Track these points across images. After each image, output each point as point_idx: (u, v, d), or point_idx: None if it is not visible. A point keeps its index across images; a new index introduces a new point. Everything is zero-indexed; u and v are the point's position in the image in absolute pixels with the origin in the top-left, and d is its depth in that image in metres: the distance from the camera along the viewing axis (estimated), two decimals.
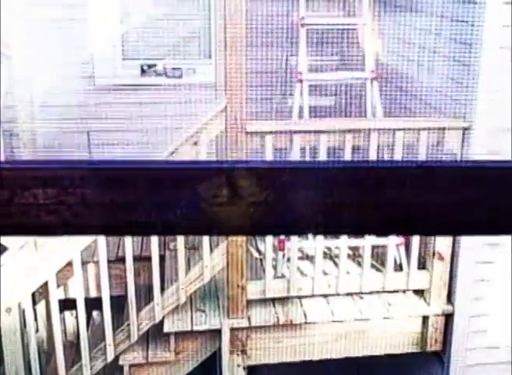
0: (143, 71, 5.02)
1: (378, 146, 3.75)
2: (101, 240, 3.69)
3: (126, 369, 3.89)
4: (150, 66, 5.01)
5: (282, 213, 0.54)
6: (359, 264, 4.02)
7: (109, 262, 3.80)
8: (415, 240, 3.83)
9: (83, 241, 3.64)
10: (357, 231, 0.63)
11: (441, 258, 3.81)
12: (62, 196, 0.48)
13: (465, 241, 3.71)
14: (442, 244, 3.79)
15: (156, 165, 0.52)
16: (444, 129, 3.71)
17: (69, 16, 4.77)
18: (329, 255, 4.21)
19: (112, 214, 0.49)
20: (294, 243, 3.86)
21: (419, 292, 3.98)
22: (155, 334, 3.93)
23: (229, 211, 0.53)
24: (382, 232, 0.74)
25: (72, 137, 4.83)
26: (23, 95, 4.42)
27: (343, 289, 3.89)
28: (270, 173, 0.53)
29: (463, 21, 3.71)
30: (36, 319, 4.19)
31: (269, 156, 3.68)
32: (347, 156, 3.69)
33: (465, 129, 3.70)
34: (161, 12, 5.00)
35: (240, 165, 0.52)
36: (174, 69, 4.97)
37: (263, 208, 0.52)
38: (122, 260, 3.87)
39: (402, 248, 3.95)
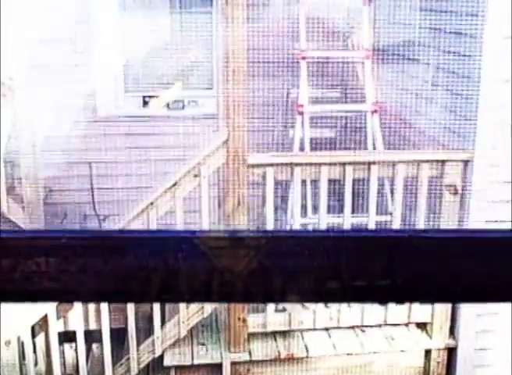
0: (145, 103, 5.05)
1: (379, 178, 3.76)
2: None
3: None
4: (152, 98, 5.04)
5: (272, 280, 0.53)
6: None
7: None
8: None
9: None
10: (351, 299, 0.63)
11: None
12: (64, 265, 0.48)
13: None
14: None
15: (152, 234, 0.52)
16: (445, 161, 3.72)
17: (70, 48, 4.82)
18: None
19: (112, 281, 0.49)
20: None
21: (422, 325, 3.95)
22: (155, 368, 3.89)
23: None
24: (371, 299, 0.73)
25: (74, 168, 4.85)
26: (26, 126, 4.45)
27: (344, 322, 3.86)
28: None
29: (463, 55, 3.74)
30: (35, 351, 4.15)
31: (270, 189, 3.68)
32: (348, 188, 3.69)
33: (466, 161, 3.71)
34: (163, 44, 5.05)
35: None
36: (176, 101, 5.00)
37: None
38: None
39: None
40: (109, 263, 0.48)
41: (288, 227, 4.04)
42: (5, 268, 0.48)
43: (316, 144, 4.37)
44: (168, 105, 5.02)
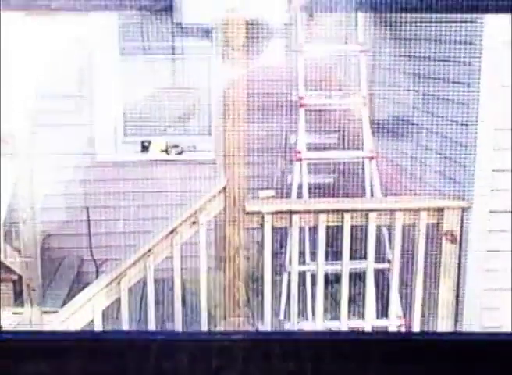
0: (143, 148, 5.08)
1: (377, 225, 3.75)
2: (97, 319, 3.64)
3: None
4: (151, 143, 5.07)
5: None
6: None
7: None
8: (416, 321, 3.77)
9: (78, 321, 3.59)
10: None
11: None
12: (63, 366, 0.47)
13: (468, 325, 3.65)
14: (443, 326, 3.73)
15: (145, 335, 0.51)
16: (443, 209, 3.72)
17: (70, 93, 4.87)
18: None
19: None
20: (293, 324, 3.81)
21: None
22: None
23: None
24: None
25: (72, 212, 4.84)
26: (24, 172, 4.45)
27: None
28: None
29: (461, 103, 3.78)
30: None
31: (268, 235, 3.67)
32: (346, 236, 3.69)
33: (464, 209, 3.71)
34: (162, 89, 5.10)
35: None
36: (174, 146, 5.03)
37: None
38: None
39: (403, 330, 3.89)
40: (110, 364, 0.47)
41: (286, 275, 4.02)
42: (4, 369, 0.47)
43: (314, 190, 4.38)
44: (166, 150, 5.04)
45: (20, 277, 4.27)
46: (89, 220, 4.92)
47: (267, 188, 4.74)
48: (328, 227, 3.73)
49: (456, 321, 3.77)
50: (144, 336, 0.50)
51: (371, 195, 4.14)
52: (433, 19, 3.73)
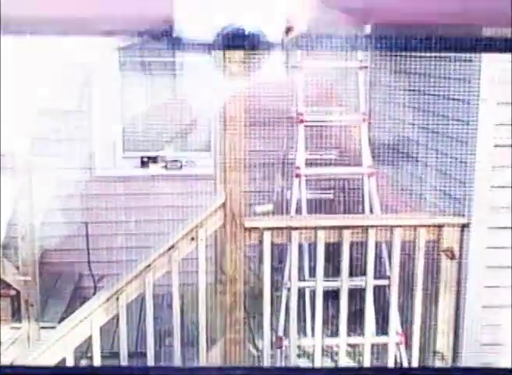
0: (143, 163, 5.08)
1: (377, 242, 3.75)
2: (96, 335, 3.62)
3: None
4: (150, 158, 5.08)
5: None
6: (359, 362, 3.93)
7: (103, 358, 3.70)
8: (416, 338, 3.75)
9: (76, 337, 3.57)
10: None
11: (442, 358, 3.73)
12: None
13: (468, 343, 3.64)
14: (443, 344, 3.72)
15: (144, 371, 0.51)
16: (442, 225, 3.72)
17: (70, 108, 4.88)
18: (329, 353, 4.12)
19: None
20: (292, 340, 3.79)
21: None
22: None
23: None
24: None
25: (71, 227, 4.83)
26: (24, 187, 4.45)
27: None
28: None
29: (459, 120, 3.79)
30: None
31: (267, 252, 3.67)
32: (345, 252, 3.68)
33: (463, 225, 3.71)
34: (161, 105, 5.11)
35: None
36: (174, 161, 5.03)
37: None
38: (116, 356, 3.78)
39: (402, 347, 3.87)
40: None
41: (285, 291, 4.01)
42: None
43: (314, 205, 4.37)
44: (166, 165, 5.05)
45: (18, 293, 4.26)
46: (87, 235, 4.91)
47: (264, 203, 4.74)
48: (327, 243, 3.72)
49: (455, 338, 3.75)
50: (143, 371, 0.50)
51: (371, 212, 4.14)
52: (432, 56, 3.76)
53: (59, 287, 4.90)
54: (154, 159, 5.11)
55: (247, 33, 0.43)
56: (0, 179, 3.96)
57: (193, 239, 3.67)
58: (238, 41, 0.43)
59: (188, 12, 0.41)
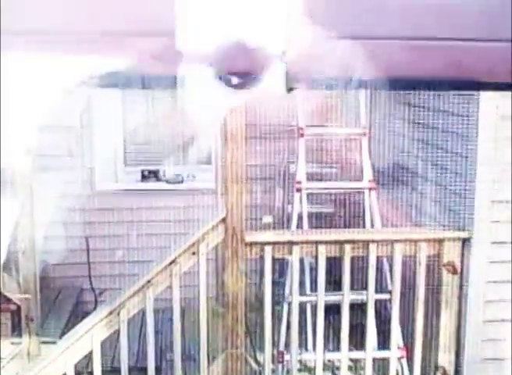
0: (143, 177, 5.09)
1: (378, 256, 3.74)
2: (96, 350, 3.60)
3: None
4: (151, 172, 5.08)
5: None
6: None
7: (104, 373, 3.69)
8: (417, 353, 3.74)
9: (76, 352, 3.55)
10: None
11: (444, 373, 3.71)
12: None
13: (469, 357, 3.62)
14: (445, 359, 3.70)
15: None
16: (443, 240, 3.72)
17: (71, 123, 4.89)
18: (330, 367, 4.10)
19: None
20: (294, 355, 3.77)
21: None
22: None
23: None
24: None
25: (72, 241, 4.82)
26: (24, 201, 4.45)
27: None
28: None
29: (458, 134, 3.79)
30: None
31: (268, 266, 3.66)
32: (347, 266, 3.68)
33: (464, 240, 3.71)
34: (162, 118, 5.12)
35: None
36: (175, 175, 5.04)
37: None
38: (117, 371, 3.77)
39: (404, 361, 3.86)
40: None
41: (286, 305, 4.00)
42: None
43: (314, 219, 4.37)
44: (167, 179, 5.05)
45: (19, 307, 4.25)
46: (88, 249, 4.91)
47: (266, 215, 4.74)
48: (328, 258, 3.72)
49: (457, 352, 3.74)
50: None
51: (371, 226, 4.13)
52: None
53: (60, 301, 4.89)
54: (155, 173, 5.11)
55: (246, 46, 0.44)
56: (0, 193, 3.96)
57: (194, 253, 3.66)
58: (236, 55, 0.44)
59: (189, 26, 0.42)
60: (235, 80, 0.45)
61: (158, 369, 3.83)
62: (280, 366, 3.88)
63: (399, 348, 3.85)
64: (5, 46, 0.94)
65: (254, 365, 4.18)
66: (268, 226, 4.53)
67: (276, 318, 3.95)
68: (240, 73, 0.44)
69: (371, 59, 0.42)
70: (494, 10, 0.37)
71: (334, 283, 3.99)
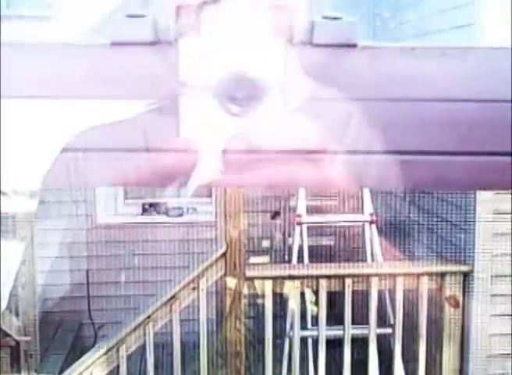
0: (144, 210, 5.08)
1: (379, 290, 3.73)
2: None
3: None
4: (151, 205, 5.08)
5: None
6: None
7: None
8: None
9: None
10: None
11: None
12: None
13: None
14: None
15: None
16: (445, 274, 3.70)
17: None
18: None
19: None
20: None
21: None
22: None
23: None
24: None
25: (71, 275, 4.81)
26: (24, 236, 4.44)
27: None
28: None
29: None
30: None
31: (269, 301, 3.64)
32: (348, 301, 3.66)
33: (466, 273, 3.69)
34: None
35: None
36: (175, 208, 5.04)
37: None
38: None
39: None
40: None
41: (287, 340, 3.96)
42: None
43: (315, 253, 4.35)
44: (167, 212, 5.05)
45: (18, 343, 4.21)
46: (88, 283, 4.88)
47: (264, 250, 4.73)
48: (329, 293, 3.71)
49: None
50: None
51: (372, 259, 4.12)
52: None
53: (59, 335, 4.85)
54: (155, 206, 5.11)
55: (247, 76, 0.44)
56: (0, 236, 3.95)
57: (194, 289, 3.65)
58: (236, 84, 0.44)
59: (191, 57, 0.42)
60: (235, 109, 0.45)
61: None
62: None
63: None
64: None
65: None
66: (266, 250, 4.52)
67: (277, 352, 3.91)
68: (240, 101, 0.44)
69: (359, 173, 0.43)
70: (495, 122, 0.37)
71: (335, 318, 3.97)
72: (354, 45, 0.39)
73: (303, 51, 0.40)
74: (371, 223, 4.15)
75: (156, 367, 3.86)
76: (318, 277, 3.66)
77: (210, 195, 5.19)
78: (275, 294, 3.70)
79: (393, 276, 3.67)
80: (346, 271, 3.70)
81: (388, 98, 0.38)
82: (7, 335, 4.25)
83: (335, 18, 0.40)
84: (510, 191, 3.09)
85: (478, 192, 3.66)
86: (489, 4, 3.70)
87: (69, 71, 0.41)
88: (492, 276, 3.67)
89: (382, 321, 3.90)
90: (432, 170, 0.39)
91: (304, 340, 3.91)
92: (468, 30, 3.92)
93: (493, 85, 0.38)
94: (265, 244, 4.67)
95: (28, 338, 4.07)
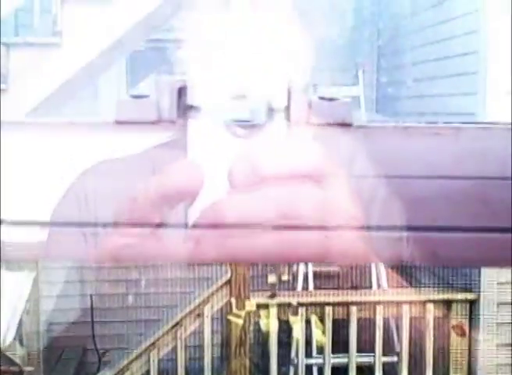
0: None
1: (385, 318, 3.71)
2: None
3: None
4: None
5: None
6: None
7: None
8: None
9: None
10: None
11: None
12: None
13: None
14: None
15: None
16: (451, 301, 3.69)
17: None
18: None
19: None
20: None
21: None
22: None
23: None
24: None
25: (74, 300, 4.80)
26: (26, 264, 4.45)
27: None
28: None
29: None
30: None
31: (274, 328, 3.63)
32: (353, 328, 3.64)
33: (472, 301, 3.68)
34: None
35: None
36: None
37: None
38: None
39: None
40: None
41: (292, 368, 3.94)
42: None
43: (320, 279, 4.34)
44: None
45: (21, 369, 4.20)
46: (92, 308, 4.87)
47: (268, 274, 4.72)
48: (334, 320, 3.69)
49: None
50: None
51: (378, 286, 4.11)
52: None
53: (63, 362, 4.83)
54: None
55: (252, 99, 0.46)
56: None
57: (198, 315, 3.64)
58: (241, 107, 0.46)
59: (199, 82, 0.44)
60: (240, 131, 0.46)
61: None
62: None
63: None
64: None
65: None
66: (273, 286, 4.50)
67: None
68: (245, 124, 0.45)
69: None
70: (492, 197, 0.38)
71: (341, 345, 3.95)
72: (350, 125, 0.40)
73: (300, 129, 0.41)
74: None
75: None
76: (323, 304, 3.65)
77: None
78: (280, 320, 3.69)
79: (399, 303, 3.66)
80: (352, 298, 3.69)
81: (381, 175, 0.40)
82: (10, 361, 4.24)
83: (331, 99, 0.41)
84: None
85: None
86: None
87: (74, 148, 0.43)
88: (498, 305, 3.65)
89: (388, 349, 3.88)
90: (425, 246, 0.40)
91: (309, 367, 3.89)
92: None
93: (485, 162, 0.39)
94: (270, 273, 4.66)
95: (31, 368, 4.06)
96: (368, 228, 0.42)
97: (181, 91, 0.43)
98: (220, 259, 0.49)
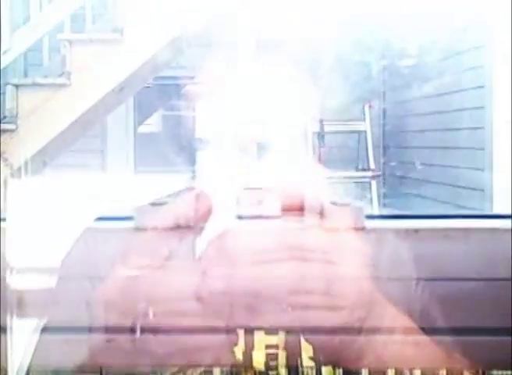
0: None
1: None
2: None
3: None
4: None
5: None
6: None
7: None
8: None
9: None
10: None
11: None
12: None
13: None
14: None
15: None
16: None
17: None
18: None
19: None
20: None
21: None
22: None
23: None
24: None
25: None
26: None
27: None
28: None
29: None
30: None
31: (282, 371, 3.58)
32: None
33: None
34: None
35: None
36: None
37: None
38: None
39: None
40: None
41: None
42: None
43: None
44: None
45: None
46: None
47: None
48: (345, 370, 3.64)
49: None
50: None
51: None
52: None
53: None
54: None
55: (261, 132, 0.47)
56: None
57: None
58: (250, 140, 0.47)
59: (206, 116, 0.45)
60: (247, 160, 0.47)
61: None
62: None
63: None
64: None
65: None
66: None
67: None
68: (252, 153, 0.46)
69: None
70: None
71: None
72: (362, 228, 0.41)
73: (313, 232, 0.42)
74: None
75: None
76: None
77: None
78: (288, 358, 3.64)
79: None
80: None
81: (393, 277, 0.40)
82: None
83: (343, 204, 0.43)
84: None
85: None
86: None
87: (96, 252, 0.44)
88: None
89: None
90: (436, 348, 0.40)
91: None
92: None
93: (494, 264, 0.40)
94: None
95: None
96: (373, 330, 0.42)
97: (198, 198, 0.44)
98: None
